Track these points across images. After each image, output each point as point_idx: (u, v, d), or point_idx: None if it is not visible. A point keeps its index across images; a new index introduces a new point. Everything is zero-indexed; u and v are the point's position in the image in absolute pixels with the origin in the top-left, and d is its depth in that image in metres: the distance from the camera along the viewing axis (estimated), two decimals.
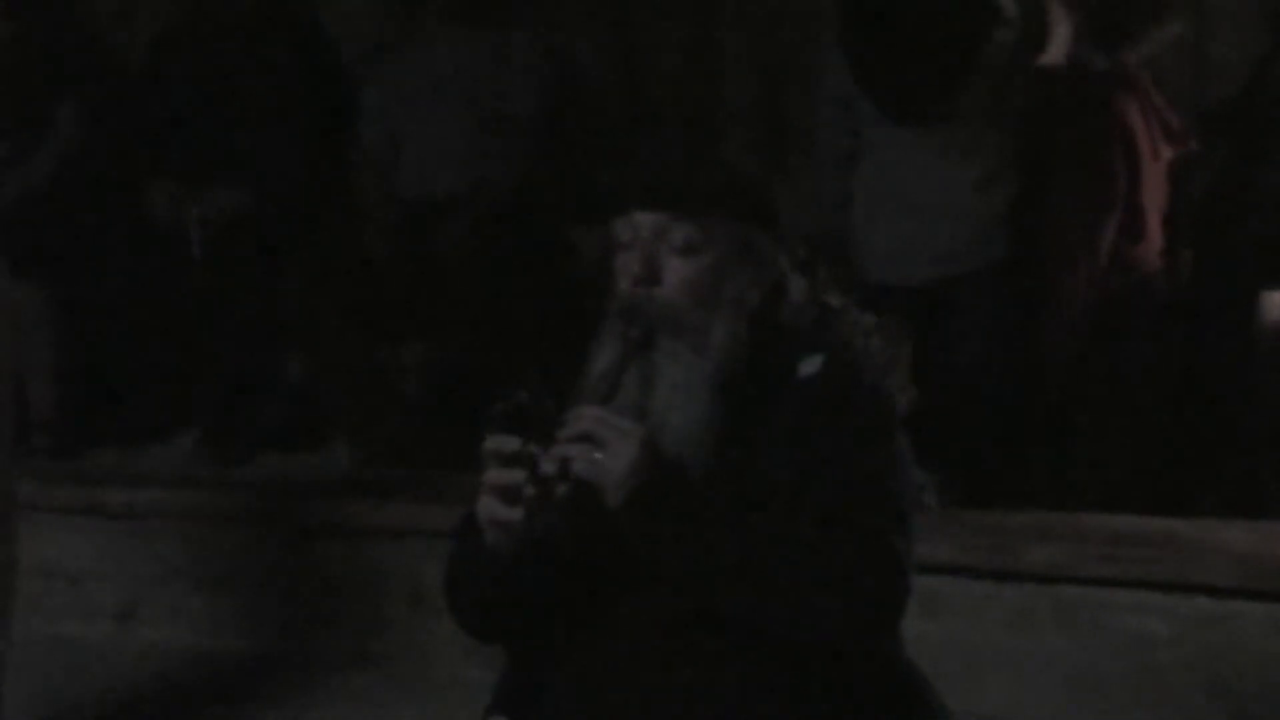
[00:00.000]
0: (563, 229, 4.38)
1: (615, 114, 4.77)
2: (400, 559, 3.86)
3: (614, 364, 1.87)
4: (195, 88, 4.51)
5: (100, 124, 4.67)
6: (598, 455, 1.76)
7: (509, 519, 1.79)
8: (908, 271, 3.86)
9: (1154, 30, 3.98)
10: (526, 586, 1.88)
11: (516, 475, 1.77)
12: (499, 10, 4.44)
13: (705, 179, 1.99)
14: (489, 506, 1.81)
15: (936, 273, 3.88)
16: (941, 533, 3.39)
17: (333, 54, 4.70)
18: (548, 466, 1.76)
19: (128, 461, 4.66)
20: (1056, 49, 4.01)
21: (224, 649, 4.02)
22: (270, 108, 4.49)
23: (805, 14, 4.81)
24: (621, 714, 1.83)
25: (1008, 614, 3.40)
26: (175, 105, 4.54)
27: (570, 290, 4.20)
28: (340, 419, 4.59)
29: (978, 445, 3.86)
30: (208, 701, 3.73)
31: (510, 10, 4.48)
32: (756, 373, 1.91)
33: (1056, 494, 3.83)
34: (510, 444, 1.78)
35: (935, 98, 3.83)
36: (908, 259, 3.86)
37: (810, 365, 1.91)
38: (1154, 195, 3.94)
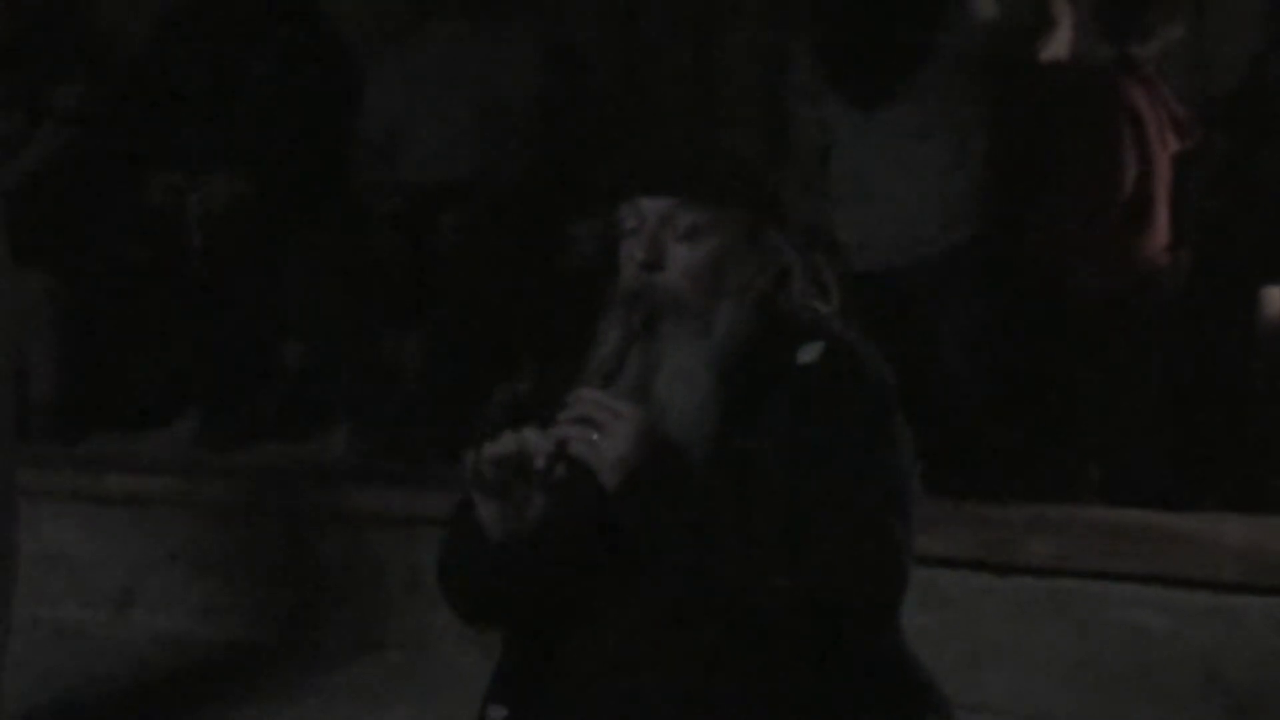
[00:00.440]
0: (562, 220, 4.38)
1: (615, 105, 4.77)
2: (399, 547, 3.86)
3: (617, 348, 1.87)
4: (196, 74, 4.51)
5: (100, 108, 4.66)
6: (595, 437, 1.76)
7: (504, 500, 1.79)
8: (878, 258, 3.90)
9: (1165, 27, 3.97)
10: (521, 572, 1.88)
11: (512, 455, 1.77)
12: (499, 1, 4.44)
13: (711, 166, 2.00)
14: (485, 488, 1.80)
15: (905, 259, 3.91)
16: (941, 526, 3.39)
17: (334, 42, 4.70)
18: (545, 446, 1.76)
19: (128, 448, 4.65)
20: (1059, 41, 4.01)
21: (223, 636, 4.03)
22: (271, 95, 4.49)
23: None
24: (618, 703, 1.83)
25: (1007, 607, 3.40)
26: (176, 91, 4.55)
27: (569, 281, 4.21)
28: (340, 407, 4.58)
29: (957, 430, 3.86)
30: (206, 688, 3.73)
31: (510, 1, 4.48)
32: (758, 359, 1.91)
33: (1057, 488, 3.82)
34: (507, 443, 1.78)
35: (893, 79, 3.89)
36: (877, 245, 3.90)
37: (810, 352, 1.91)
38: (1162, 186, 3.93)
